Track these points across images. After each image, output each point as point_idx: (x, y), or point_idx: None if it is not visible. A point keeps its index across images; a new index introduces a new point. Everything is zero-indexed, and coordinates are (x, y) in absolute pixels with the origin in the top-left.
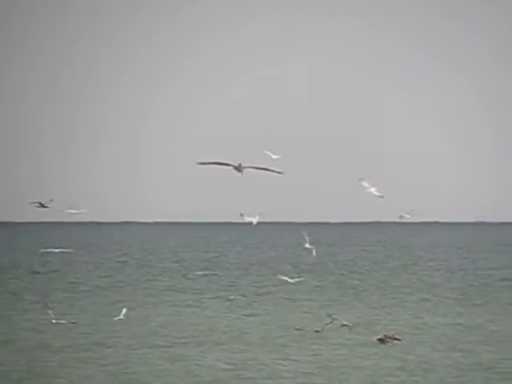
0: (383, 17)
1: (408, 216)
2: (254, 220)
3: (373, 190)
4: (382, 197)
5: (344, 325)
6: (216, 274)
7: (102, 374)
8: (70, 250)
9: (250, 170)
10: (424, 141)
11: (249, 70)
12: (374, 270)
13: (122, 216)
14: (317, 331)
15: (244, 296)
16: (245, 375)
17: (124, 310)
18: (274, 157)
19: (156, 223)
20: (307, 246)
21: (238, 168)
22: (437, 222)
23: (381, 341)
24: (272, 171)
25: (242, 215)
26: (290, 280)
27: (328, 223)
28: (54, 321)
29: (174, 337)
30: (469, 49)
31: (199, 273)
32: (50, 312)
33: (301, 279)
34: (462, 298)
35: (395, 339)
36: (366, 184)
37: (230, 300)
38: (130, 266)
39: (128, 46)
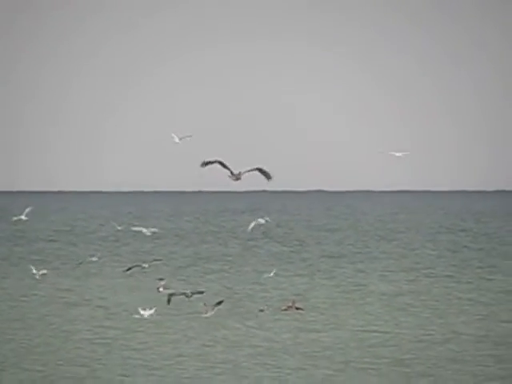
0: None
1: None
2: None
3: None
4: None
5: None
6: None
7: None
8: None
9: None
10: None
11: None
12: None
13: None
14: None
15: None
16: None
17: None
18: (176, 140)
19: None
20: None
21: (237, 176)
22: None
23: (286, 310)
24: (264, 172)
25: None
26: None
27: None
28: None
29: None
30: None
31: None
32: None
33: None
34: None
35: (298, 308)
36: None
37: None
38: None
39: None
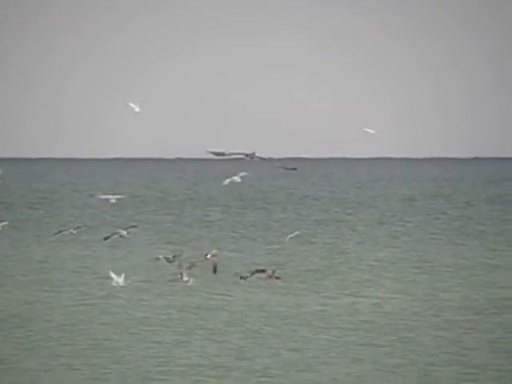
0: None
1: None
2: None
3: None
4: None
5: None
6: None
7: None
8: None
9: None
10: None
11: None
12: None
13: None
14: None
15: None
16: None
17: None
18: (136, 110)
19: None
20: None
21: (252, 156)
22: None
23: (266, 279)
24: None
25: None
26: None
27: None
28: None
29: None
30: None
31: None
32: None
33: None
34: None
35: (276, 278)
36: None
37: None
38: None
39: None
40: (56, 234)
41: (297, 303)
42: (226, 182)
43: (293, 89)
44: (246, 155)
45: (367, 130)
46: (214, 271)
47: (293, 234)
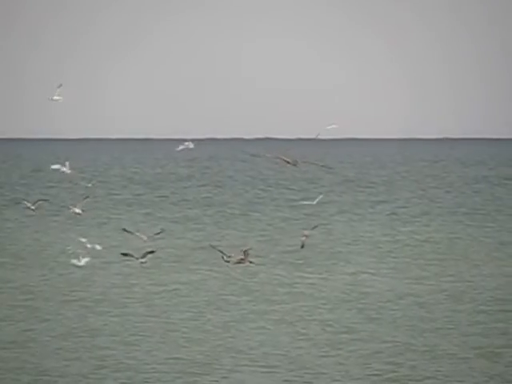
0: None
1: None
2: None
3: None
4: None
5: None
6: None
7: None
8: None
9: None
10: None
11: None
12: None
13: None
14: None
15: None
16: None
17: None
18: (55, 98)
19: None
20: None
21: (294, 162)
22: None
23: (239, 263)
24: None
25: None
26: None
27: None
28: None
29: None
30: None
31: None
32: None
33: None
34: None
35: (250, 262)
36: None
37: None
38: None
39: None
40: (27, 207)
41: (275, 283)
42: (180, 147)
43: (270, 67)
44: (288, 162)
45: (329, 127)
46: (302, 247)
47: (319, 198)
